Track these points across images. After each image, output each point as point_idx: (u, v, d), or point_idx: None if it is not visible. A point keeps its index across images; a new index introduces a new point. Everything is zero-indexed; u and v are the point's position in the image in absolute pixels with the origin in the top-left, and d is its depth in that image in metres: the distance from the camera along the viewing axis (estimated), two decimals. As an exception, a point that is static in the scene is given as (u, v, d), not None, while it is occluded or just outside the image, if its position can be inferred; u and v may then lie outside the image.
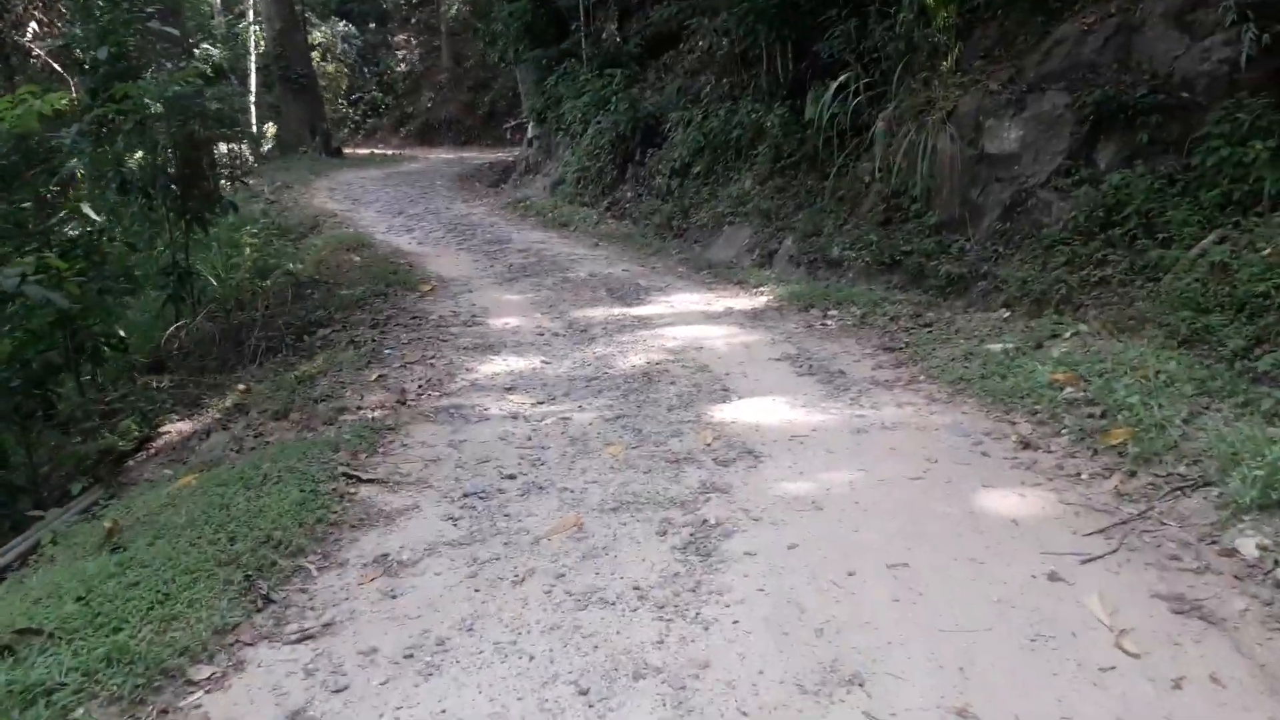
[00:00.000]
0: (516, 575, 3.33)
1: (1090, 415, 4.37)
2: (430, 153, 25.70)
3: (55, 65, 15.17)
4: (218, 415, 6.11)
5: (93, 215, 7.84)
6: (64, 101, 7.34)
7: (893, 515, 3.63)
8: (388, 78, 31.70)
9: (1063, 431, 4.31)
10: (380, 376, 6.00)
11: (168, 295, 8.14)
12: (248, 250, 10.30)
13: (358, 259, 10.30)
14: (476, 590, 3.25)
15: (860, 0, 9.14)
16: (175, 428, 6.21)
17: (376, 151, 25.90)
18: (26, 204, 7.07)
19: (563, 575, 3.31)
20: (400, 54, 32.61)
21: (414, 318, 7.58)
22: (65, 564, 3.60)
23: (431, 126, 29.62)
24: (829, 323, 6.81)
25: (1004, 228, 7.18)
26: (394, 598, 3.24)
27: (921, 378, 5.37)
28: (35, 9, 16.06)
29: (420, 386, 5.80)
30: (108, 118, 7.64)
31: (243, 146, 22.79)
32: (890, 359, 5.81)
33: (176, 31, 9.08)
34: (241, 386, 6.45)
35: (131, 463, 5.92)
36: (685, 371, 5.76)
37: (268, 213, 13.97)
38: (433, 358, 6.38)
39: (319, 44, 28.68)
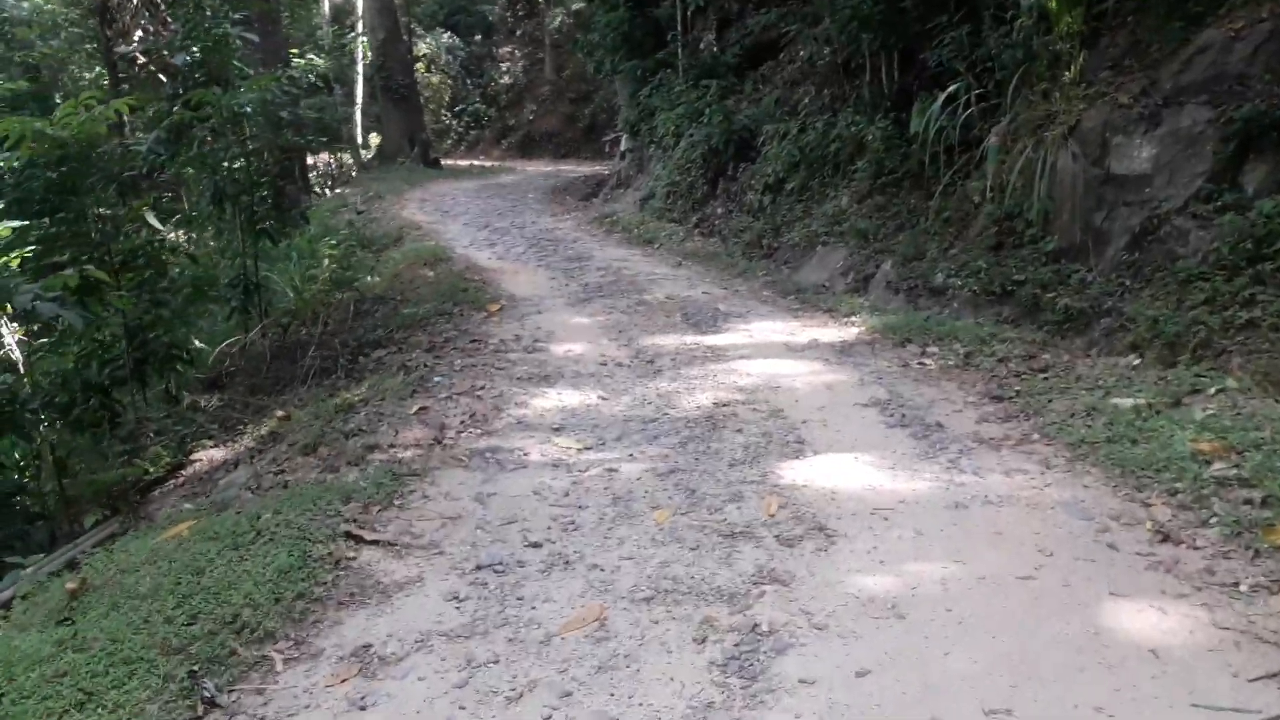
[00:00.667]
0: (514, 688, 2.70)
1: (1247, 501, 3.53)
2: (528, 165, 25.48)
3: (160, 75, 15.37)
4: (250, 444, 5.68)
5: (155, 224, 7.57)
6: (127, 107, 7.09)
7: (994, 633, 2.86)
8: (491, 90, 31.70)
9: (1211, 521, 3.47)
10: (422, 409, 5.47)
11: (232, 308, 7.87)
12: (326, 262, 10.03)
13: (431, 274, 9.88)
14: (461, 708, 2.62)
15: (974, 5, 8.32)
16: (208, 455, 5.80)
17: (476, 163, 25.82)
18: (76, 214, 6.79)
19: (569, 694, 2.66)
20: (504, 66, 32.57)
21: (474, 341, 7.06)
22: (10, 634, 3.12)
23: (532, 139, 29.51)
24: (927, 361, 6.01)
25: (1132, 258, 6.29)
26: (362, 709, 2.65)
27: (1035, 436, 4.55)
28: (141, 19, 16.33)
29: (462, 422, 5.25)
30: (186, 124, 7.40)
31: (345, 156, 23.06)
32: (998, 410, 4.99)
33: (256, 38, 8.78)
34: (281, 413, 6.01)
35: (158, 492, 5.53)
36: (756, 416, 5.06)
37: (353, 224, 13.77)
38: (482, 388, 5.83)
39: (424, 55, 28.85)
